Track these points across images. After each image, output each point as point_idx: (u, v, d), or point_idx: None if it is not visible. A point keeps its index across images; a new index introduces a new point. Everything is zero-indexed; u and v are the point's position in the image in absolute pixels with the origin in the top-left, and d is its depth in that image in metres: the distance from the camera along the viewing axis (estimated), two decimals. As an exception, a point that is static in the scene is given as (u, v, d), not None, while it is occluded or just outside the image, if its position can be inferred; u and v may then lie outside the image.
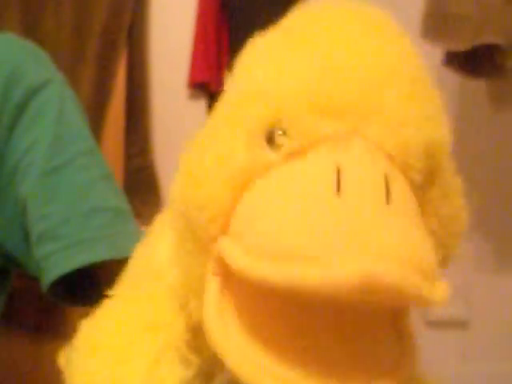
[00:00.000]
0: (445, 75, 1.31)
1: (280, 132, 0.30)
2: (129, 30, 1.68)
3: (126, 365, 0.35)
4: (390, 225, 0.27)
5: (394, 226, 0.27)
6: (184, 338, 0.35)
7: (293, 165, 0.30)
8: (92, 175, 0.61)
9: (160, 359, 0.35)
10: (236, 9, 1.72)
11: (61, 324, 0.77)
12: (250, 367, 0.28)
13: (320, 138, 0.30)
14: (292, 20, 0.34)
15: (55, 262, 0.57)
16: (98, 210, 0.60)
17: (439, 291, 0.28)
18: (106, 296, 0.42)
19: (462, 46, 1.22)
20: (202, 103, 1.76)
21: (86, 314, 0.41)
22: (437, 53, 1.32)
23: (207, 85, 1.72)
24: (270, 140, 0.30)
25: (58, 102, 0.63)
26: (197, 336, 0.35)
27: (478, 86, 1.43)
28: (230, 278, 0.30)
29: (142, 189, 1.62)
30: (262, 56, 0.33)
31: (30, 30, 1.53)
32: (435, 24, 1.22)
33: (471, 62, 1.28)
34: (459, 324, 1.60)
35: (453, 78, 1.37)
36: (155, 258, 0.40)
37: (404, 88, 0.31)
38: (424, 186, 0.31)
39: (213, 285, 0.30)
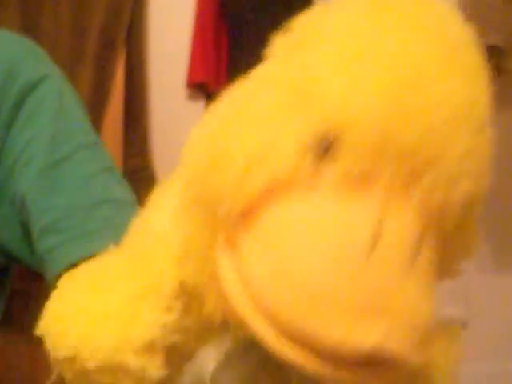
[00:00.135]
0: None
1: (335, 148, 0.29)
2: (127, 31, 1.68)
3: (102, 295, 0.35)
4: (409, 292, 0.28)
5: (412, 293, 0.28)
6: (171, 291, 0.35)
7: (339, 196, 0.28)
8: (94, 168, 0.61)
9: (141, 297, 0.35)
10: (234, 9, 1.72)
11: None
12: (274, 333, 0.28)
13: (374, 174, 0.28)
14: (366, 23, 0.31)
15: (60, 255, 0.57)
16: (101, 202, 0.59)
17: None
18: None
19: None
20: (200, 103, 1.76)
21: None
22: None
23: (205, 85, 1.72)
24: (322, 150, 0.29)
25: (56, 97, 0.62)
26: (190, 297, 0.35)
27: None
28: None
29: (140, 189, 1.61)
30: (329, 56, 0.30)
31: (29, 30, 1.53)
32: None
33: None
34: (459, 324, 1.60)
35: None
36: (154, 223, 0.38)
37: (469, 142, 0.30)
38: (452, 230, 0.31)
39: (225, 253, 0.30)
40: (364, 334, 0.26)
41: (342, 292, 0.27)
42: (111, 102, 1.64)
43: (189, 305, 0.34)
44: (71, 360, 0.35)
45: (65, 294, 0.37)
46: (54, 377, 0.40)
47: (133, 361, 0.34)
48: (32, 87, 0.61)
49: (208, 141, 0.32)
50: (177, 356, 0.35)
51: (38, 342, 0.43)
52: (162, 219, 0.38)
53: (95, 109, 1.59)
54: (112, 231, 0.57)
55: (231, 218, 0.30)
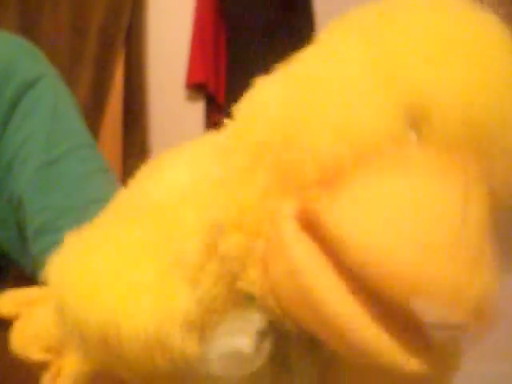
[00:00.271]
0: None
1: (423, 123, 0.29)
2: (127, 32, 1.68)
3: (133, 268, 0.33)
4: (485, 273, 0.29)
5: (487, 273, 0.29)
6: (198, 261, 0.34)
7: (429, 167, 0.29)
8: (89, 168, 0.61)
9: (170, 270, 0.33)
10: (233, 10, 1.72)
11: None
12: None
13: (462, 149, 0.29)
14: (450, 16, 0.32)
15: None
16: (95, 202, 0.59)
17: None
18: None
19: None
20: (199, 104, 1.76)
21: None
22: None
23: (204, 85, 1.72)
24: (410, 123, 0.29)
25: (52, 97, 0.62)
26: (221, 268, 0.34)
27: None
28: (311, 229, 0.29)
29: (140, 190, 1.62)
30: (415, 39, 0.31)
31: (28, 30, 1.53)
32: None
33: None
34: (458, 324, 1.59)
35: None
36: (161, 196, 0.37)
37: None
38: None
39: (293, 226, 0.30)
40: (476, 282, 0.27)
41: (450, 245, 0.27)
42: (110, 102, 1.64)
43: (219, 276, 0.33)
44: (103, 325, 0.33)
45: (87, 262, 0.34)
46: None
47: (177, 337, 0.32)
48: (28, 86, 0.61)
49: (287, 104, 0.31)
50: (201, 330, 0.34)
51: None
52: (171, 191, 0.37)
53: (95, 109, 1.59)
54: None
55: (314, 185, 0.29)
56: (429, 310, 0.27)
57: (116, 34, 1.65)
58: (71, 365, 0.42)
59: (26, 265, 0.62)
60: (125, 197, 0.41)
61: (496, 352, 1.64)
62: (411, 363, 0.28)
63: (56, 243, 0.59)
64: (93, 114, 1.57)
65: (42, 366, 0.43)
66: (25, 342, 0.44)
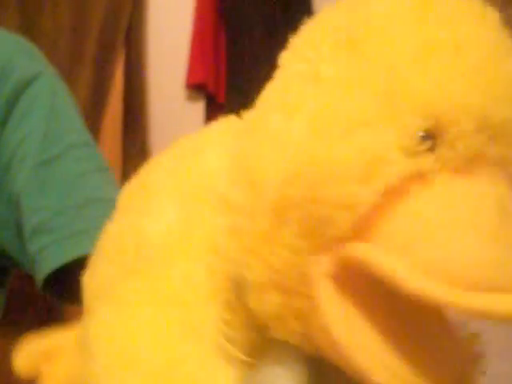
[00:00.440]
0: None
1: (439, 140, 0.29)
2: (126, 32, 1.68)
3: (176, 374, 0.33)
4: None
5: None
6: (223, 332, 0.34)
7: (456, 183, 0.29)
8: (86, 167, 0.61)
9: (212, 367, 0.33)
10: (233, 10, 1.72)
11: (60, 325, 0.77)
12: (383, 369, 0.28)
13: (484, 160, 0.29)
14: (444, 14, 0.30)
15: (49, 255, 0.57)
16: (92, 201, 0.59)
17: None
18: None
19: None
20: (199, 104, 1.76)
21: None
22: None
23: (205, 85, 1.72)
24: (426, 144, 0.29)
25: (49, 95, 0.62)
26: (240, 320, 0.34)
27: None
28: (347, 282, 0.29)
29: (140, 190, 1.61)
30: (406, 50, 0.29)
31: (28, 30, 1.53)
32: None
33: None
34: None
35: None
36: (155, 235, 0.36)
37: None
38: None
39: (326, 285, 0.30)
40: None
41: (502, 266, 0.27)
42: (110, 102, 1.64)
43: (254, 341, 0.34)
44: None
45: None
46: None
47: None
48: (26, 84, 0.61)
49: (298, 149, 0.29)
50: None
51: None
52: (164, 230, 0.36)
53: (94, 109, 1.59)
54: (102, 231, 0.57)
55: (348, 235, 0.29)
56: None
57: (116, 34, 1.65)
58: None
59: (23, 265, 0.62)
60: (121, 238, 0.40)
61: (496, 352, 1.64)
62: None
63: (50, 244, 0.59)
64: (93, 114, 1.57)
65: None
66: None
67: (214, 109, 1.72)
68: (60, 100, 0.64)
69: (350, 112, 0.29)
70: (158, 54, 1.77)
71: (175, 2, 1.79)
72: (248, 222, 0.31)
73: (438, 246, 0.27)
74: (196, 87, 1.75)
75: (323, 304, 0.29)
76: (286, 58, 0.34)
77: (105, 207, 0.59)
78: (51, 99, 0.62)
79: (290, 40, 0.34)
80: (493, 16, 0.31)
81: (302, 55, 0.33)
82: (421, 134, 0.28)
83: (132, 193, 0.41)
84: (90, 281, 0.41)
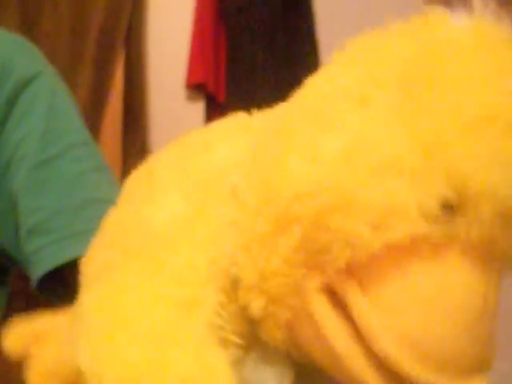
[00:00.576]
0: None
1: (458, 215, 0.28)
2: (127, 32, 1.68)
3: (170, 351, 0.32)
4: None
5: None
6: (219, 314, 0.34)
7: (458, 265, 0.29)
8: (84, 167, 0.61)
9: (204, 343, 0.33)
10: (233, 10, 1.72)
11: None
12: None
13: (492, 241, 0.29)
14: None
15: (46, 256, 0.56)
16: (90, 201, 0.59)
17: None
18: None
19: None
20: (199, 104, 1.76)
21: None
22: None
23: (204, 85, 1.72)
24: (445, 214, 0.28)
25: (48, 95, 0.62)
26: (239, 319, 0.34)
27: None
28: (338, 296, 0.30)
29: (140, 190, 1.61)
30: (455, 118, 0.28)
31: (28, 31, 1.53)
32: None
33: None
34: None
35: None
36: (158, 223, 0.36)
37: None
38: None
39: (320, 298, 0.30)
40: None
41: (469, 355, 0.29)
42: (111, 102, 1.64)
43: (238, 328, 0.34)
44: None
45: (127, 354, 0.32)
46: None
47: None
48: (26, 84, 0.61)
49: (325, 169, 0.29)
50: None
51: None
52: (166, 217, 0.36)
53: (95, 109, 1.59)
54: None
55: (342, 268, 0.29)
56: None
57: (116, 35, 1.65)
58: None
59: (21, 263, 0.62)
60: (123, 224, 0.40)
61: (496, 352, 1.63)
62: None
63: (47, 245, 0.59)
64: (93, 114, 1.57)
65: None
66: (43, 382, 0.44)
67: (214, 109, 1.72)
68: (59, 100, 0.64)
69: (388, 152, 0.28)
70: (158, 54, 1.77)
71: (175, 2, 1.79)
72: (250, 220, 0.31)
73: (420, 325, 0.28)
74: (196, 87, 1.75)
75: (321, 316, 0.30)
76: (329, 69, 0.32)
77: (103, 208, 0.59)
78: (51, 99, 0.62)
79: (335, 52, 0.32)
80: None
81: (352, 72, 0.31)
82: (444, 203, 0.28)
83: (138, 180, 0.41)
84: (89, 264, 0.40)
